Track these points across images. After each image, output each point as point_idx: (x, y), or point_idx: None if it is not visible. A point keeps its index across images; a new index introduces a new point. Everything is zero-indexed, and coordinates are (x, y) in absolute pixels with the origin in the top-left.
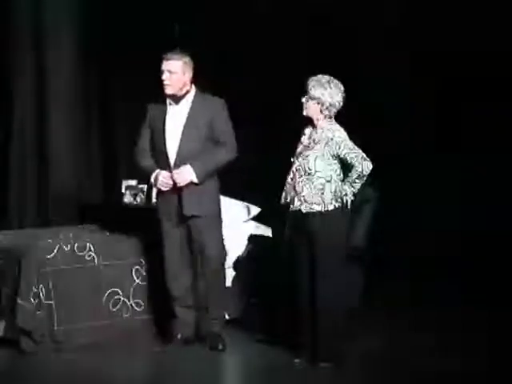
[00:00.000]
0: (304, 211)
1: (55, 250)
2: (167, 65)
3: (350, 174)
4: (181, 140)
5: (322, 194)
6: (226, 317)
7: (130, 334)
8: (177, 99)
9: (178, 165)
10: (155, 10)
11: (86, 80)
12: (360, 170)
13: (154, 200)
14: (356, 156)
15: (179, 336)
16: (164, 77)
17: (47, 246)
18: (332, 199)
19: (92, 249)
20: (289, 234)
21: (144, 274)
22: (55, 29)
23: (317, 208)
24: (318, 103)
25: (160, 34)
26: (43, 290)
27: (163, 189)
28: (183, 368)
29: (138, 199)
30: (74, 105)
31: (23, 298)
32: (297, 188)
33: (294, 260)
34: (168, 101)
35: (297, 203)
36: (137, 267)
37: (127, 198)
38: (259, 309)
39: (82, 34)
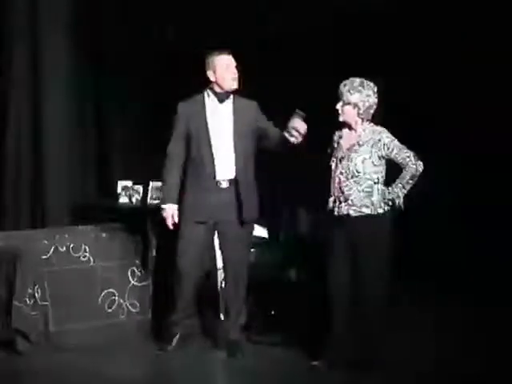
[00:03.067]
0: (354, 215)
1: (51, 251)
2: (232, 60)
3: (402, 176)
4: (233, 137)
5: (371, 196)
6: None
7: (125, 335)
8: (225, 96)
9: (236, 162)
10: (154, 9)
11: (82, 80)
12: (414, 170)
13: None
14: (408, 156)
15: (177, 337)
16: (236, 71)
17: (42, 247)
18: (380, 201)
19: (87, 250)
20: (334, 237)
21: (139, 274)
22: (51, 27)
23: (366, 211)
24: (355, 107)
25: (157, 34)
26: (39, 290)
27: (169, 222)
28: (180, 369)
29: (134, 200)
30: (69, 105)
31: (19, 299)
32: (345, 192)
33: (332, 263)
34: (211, 97)
35: (344, 208)
36: (132, 268)
37: (123, 199)
38: (256, 309)
39: (78, 34)
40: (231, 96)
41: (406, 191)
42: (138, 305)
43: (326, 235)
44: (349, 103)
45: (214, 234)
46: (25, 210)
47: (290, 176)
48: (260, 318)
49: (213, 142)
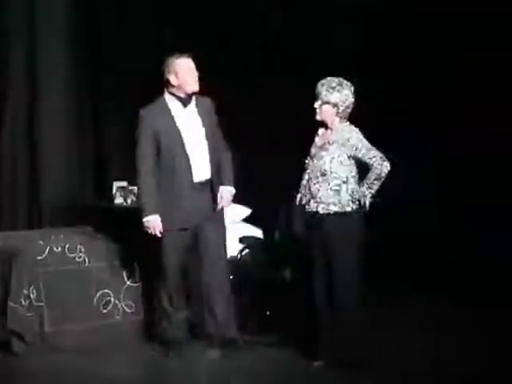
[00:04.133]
0: (321, 212)
1: (46, 252)
2: (193, 63)
3: (368, 176)
4: (205, 138)
5: (339, 194)
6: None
7: (120, 336)
8: (187, 100)
9: (210, 162)
10: (148, 12)
11: (78, 81)
12: (379, 171)
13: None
14: (374, 157)
15: (174, 338)
16: (197, 73)
17: (38, 248)
18: (349, 200)
19: (83, 250)
20: (304, 234)
21: (135, 275)
22: (48, 29)
23: (334, 208)
24: (334, 107)
25: (152, 36)
26: (34, 291)
27: (156, 232)
28: (175, 370)
29: (129, 200)
30: (65, 106)
31: (14, 300)
32: (312, 189)
33: (308, 260)
34: (175, 101)
35: (313, 205)
36: (127, 269)
37: (118, 200)
38: (251, 310)
39: (74, 35)
40: (193, 97)
41: (372, 191)
42: (134, 305)
43: (298, 232)
44: (327, 102)
45: (195, 236)
46: (21, 211)
47: (287, 175)
48: (255, 318)
49: (187, 147)
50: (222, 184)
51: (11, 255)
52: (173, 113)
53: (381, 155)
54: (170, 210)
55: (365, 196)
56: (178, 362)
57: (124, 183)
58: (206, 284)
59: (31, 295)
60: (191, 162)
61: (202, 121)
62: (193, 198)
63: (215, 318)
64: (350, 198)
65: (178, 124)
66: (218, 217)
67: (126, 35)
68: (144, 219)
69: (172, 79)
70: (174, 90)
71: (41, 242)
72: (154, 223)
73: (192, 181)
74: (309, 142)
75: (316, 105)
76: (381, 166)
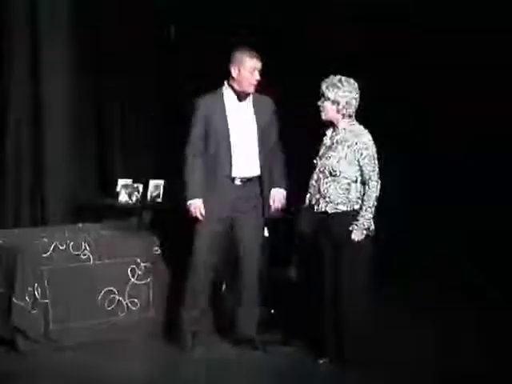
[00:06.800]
0: (330, 212)
1: (51, 249)
2: (259, 66)
3: (365, 200)
4: (257, 135)
5: (349, 193)
6: None
7: (125, 333)
8: (244, 96)
9: (260, 159)
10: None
11: (82, 79)
12: (375, 193)
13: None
14: (373, 171)
15: (192, 336)
16: (258, 77)
17: (43, 245)
18: (358, 198)
19: (87, 248)
20: (313, 235)
21: (139, 272)
22: (50, 29)
23: (342, 208)
24: (333, 104)
25: (155, 34)
26: (38, 288)
27: (198, 215)
28: (181, 367)
29: (134, 198)
30: (69, 104)
31: (18, 297)
32: (322, 189)
33: (317, 260)
34: (231, 95)
35: (322, 204)
36: (132, 266)
37: (122, 197)
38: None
39: (77, 34)
40: (251, 95)
41: (373, 211)
42: (138, 303)
43: (306, 233)
44: (328, 99)
45: (228, 232)
46: (25, 208)
47: (294, 174)
48: (260, 316)
49: (232, 140)
50: (274, 185)
51: (16, 252)
52: (226, 105)
53: (377, 171)
54: (208, 200)
55: (370, 223)
56: (183, 358)
57: (128, 181)
58: (238, 283)
59: (36, 292)
60: (233, 156)
61: (255, 119)
62: (230, 192)
63: (247, 317)
64: (359, 195)
65: (228, 117)
66: (255, 215)
67: (129, 35)
68: (187, 202)
69: (233, 71)
70: (231, 82)
71: (45, 240)
72: (195, 206)
73: (230, 175)
74: (318, 141)
75: (319, 102)
76: (377, 182)
